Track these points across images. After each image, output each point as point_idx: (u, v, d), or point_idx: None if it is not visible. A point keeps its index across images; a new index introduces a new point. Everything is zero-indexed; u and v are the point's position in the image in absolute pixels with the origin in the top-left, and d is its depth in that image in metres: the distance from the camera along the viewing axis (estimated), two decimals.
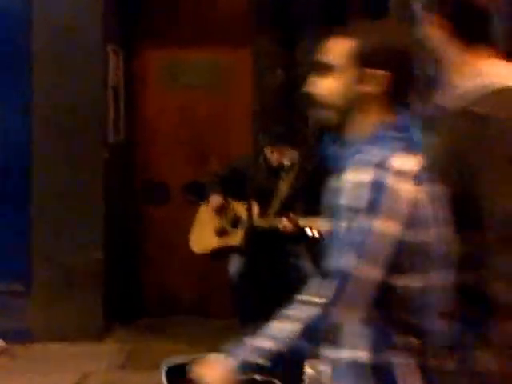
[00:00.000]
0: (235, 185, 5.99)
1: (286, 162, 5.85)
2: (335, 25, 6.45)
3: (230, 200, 6.01)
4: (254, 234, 5.78)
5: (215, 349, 5.55)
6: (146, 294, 6.86)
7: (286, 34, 6.64)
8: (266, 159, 5.98)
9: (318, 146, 6.03)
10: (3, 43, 6.22)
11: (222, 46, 6.71)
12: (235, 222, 5.96)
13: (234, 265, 5.90)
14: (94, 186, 6.17)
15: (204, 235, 6.03)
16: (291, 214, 5.66)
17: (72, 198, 6.14)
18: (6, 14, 6.22)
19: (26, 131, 6.21)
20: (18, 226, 6.23)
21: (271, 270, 5.96)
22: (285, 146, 5.91)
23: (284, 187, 5.84)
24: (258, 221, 5.81)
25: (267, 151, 5.95)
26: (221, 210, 5.98)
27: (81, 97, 6.12)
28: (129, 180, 6.85)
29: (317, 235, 5.49)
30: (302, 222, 5.60)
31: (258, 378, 5.02)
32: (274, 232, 5.75)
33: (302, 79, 6.49)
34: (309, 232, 5.55)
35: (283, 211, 5.73)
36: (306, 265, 5.83)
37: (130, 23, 6.78)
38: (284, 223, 5.66)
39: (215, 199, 5.95)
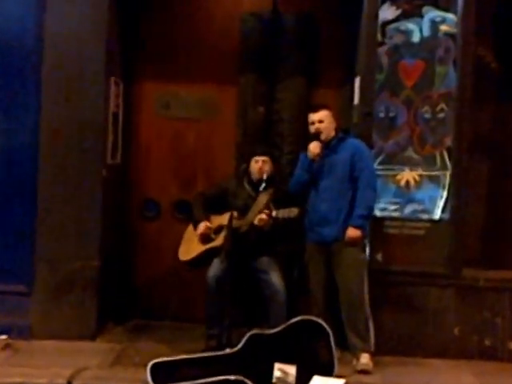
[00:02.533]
0: (221, 202, 6.10)
1: (265, 177, 5.90)
2: (312, 67, 6.76)
3: (214, 216, 6.07)
4: (233, 235, 5.73)
5: (196, 351, 5.77)
6: (136, 298, 6.87)
7: (267, 75, 6.72)
8: (249, 177, 6.11)
9: (292, 174, 6.21)
10: (15, 72, 6.31)
11: (210, 83, 6.78)
12: (218, 230, 5.99)
13: (213, 269, 5.90)
14: (93, 201, 6.21)
15: (190, 246, 6.07)
16: (265, 210, 5.76)
17: (73, 211, 6.20)
18: (17, 46, 6.29)
19: (35, 149, 6.25)
20: (23, 233, 6.27)
21: (244, 279, 6.03)
22: (267, 156, 6.07)
23: (263, 199, 5.84)
24: (237, 223, 5.84)
25: (252, 162, 6.08)
26: (206, 235, 6.02)
27: (85, 122, 6.18)
28: (124, 197, 6.89)
29: (287, 220, 5.71)
30: (274, 212, 5.72)
31: (231, 378, 5.24)
32: (253, 229, 5.84)
33: (280, 115, 6.78)
34: (280, 218, 5.71)
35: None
36: (275, 280, 5.88)
37: (131, 59, 6.84)
38: (259, 216, 5.76)
39: (201, 226, 6.01)
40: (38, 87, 6.26)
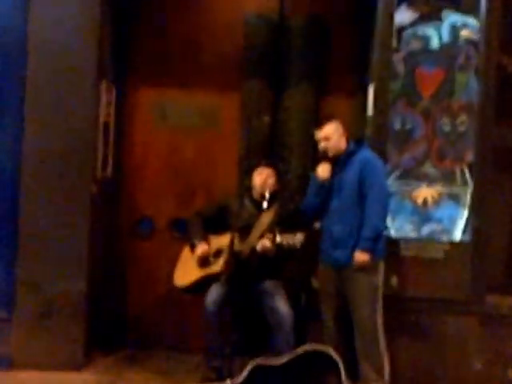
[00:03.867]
0: (220, 221, 5.93)
1: (267, 194, 5.79)
2: (321, 73, 6.67)
3: (213, 237, 5.91)
4: (234, 259, 5.67)
5: (192, 383, 5.67)
6: (127, 325, 6.74)
7: (272, 81, 6.60)
8: (250, 194, 5.97)
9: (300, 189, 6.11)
10: None
11: (211, 90, 6.66)
12: (218, 253, 5.83)
13: (211, 294, 5.71)
14: (81, 219, 6.04)
15: (187, 270, 5.89)
16: (268, 234, 5.60)
17: (58, 229, 6.02)
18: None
19: (16, 162, 6.09)
20: (3, 254, 6.13)
21: (246, 304, 5.85)
22: (271, 169, 5.94)
23: (265, 219, 5.74)
24: (238, 246, 5.72)
25: (255, 174, 5.94)
26: (204, 259, 5.86)
27: (72, 132, 6.03)
28: (115, 214, 6.74)
29: (292, 247, 5.49)
30: (278, 238, 5.51)
31: None
32: (255, 254, 5.67)
33: (287, 125, 6.69)
34: (285, 245, 5.50)
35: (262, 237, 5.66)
36: (282, 306, 5.69)
37: (124, 62, 6.71)
38: (262, 242, 5.59)
39: (199, 249, 5.85)
40: (20, 94, 6.10)
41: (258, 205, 5.86)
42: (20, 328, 6.07)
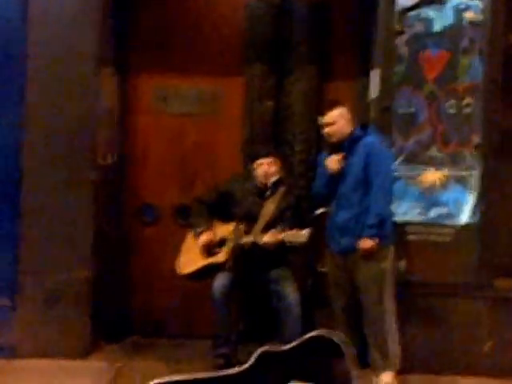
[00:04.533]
0: (223, 207, 5.90)
1: (270, 183, 5.81)
2: (324, 57, 6.61)
3: (216, 223, 5.89)
4: (239, 251, 5.66)
5: (198, 369, 5.61)
6: (133, 312, 6.69)
7: (275, 65, 6.56)
8: (253, 182, 5.92)
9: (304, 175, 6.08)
10: None
11: (213, 75, 6.62)
12: (221, 243, 5.81)
13: (218, 281, 5.70)
14: (84, 206, 6.01)
15: (190, 257, 5.85)
16: (273, 230, 5.57)
17: (61, 216, 6.00)
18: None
19: (17, 149, 6.05)
20: (5, 241, 6.07)
21: (254, 291, 5.88)
22: (273, 157, 5.90)
23: (270, 207, 5.74)
24: (243, 238, 5.70)
25: (256, 165, 5.91)
26: (209, 247, 5.84)
27: (74, 119, 5.99)
28: (119, 201, 6.69)
29: (295, 245, 5.47)
30: (282, 235, 5.50)
31: None
32: (258, 247, 5.64)
33: (291, 109, 6.63)
34: (288, 243, 5.49)
35: (267, 229, 5.63)
36: (288, 290, 5.68)
37: (125, 49, 6.66)
38: (265, 238, 5.57)
39: (203, 238, 5.83)
40: (22, 82, 6.06)
41: (262, 193, 5.85)
42: (24, 316, 6.02)
